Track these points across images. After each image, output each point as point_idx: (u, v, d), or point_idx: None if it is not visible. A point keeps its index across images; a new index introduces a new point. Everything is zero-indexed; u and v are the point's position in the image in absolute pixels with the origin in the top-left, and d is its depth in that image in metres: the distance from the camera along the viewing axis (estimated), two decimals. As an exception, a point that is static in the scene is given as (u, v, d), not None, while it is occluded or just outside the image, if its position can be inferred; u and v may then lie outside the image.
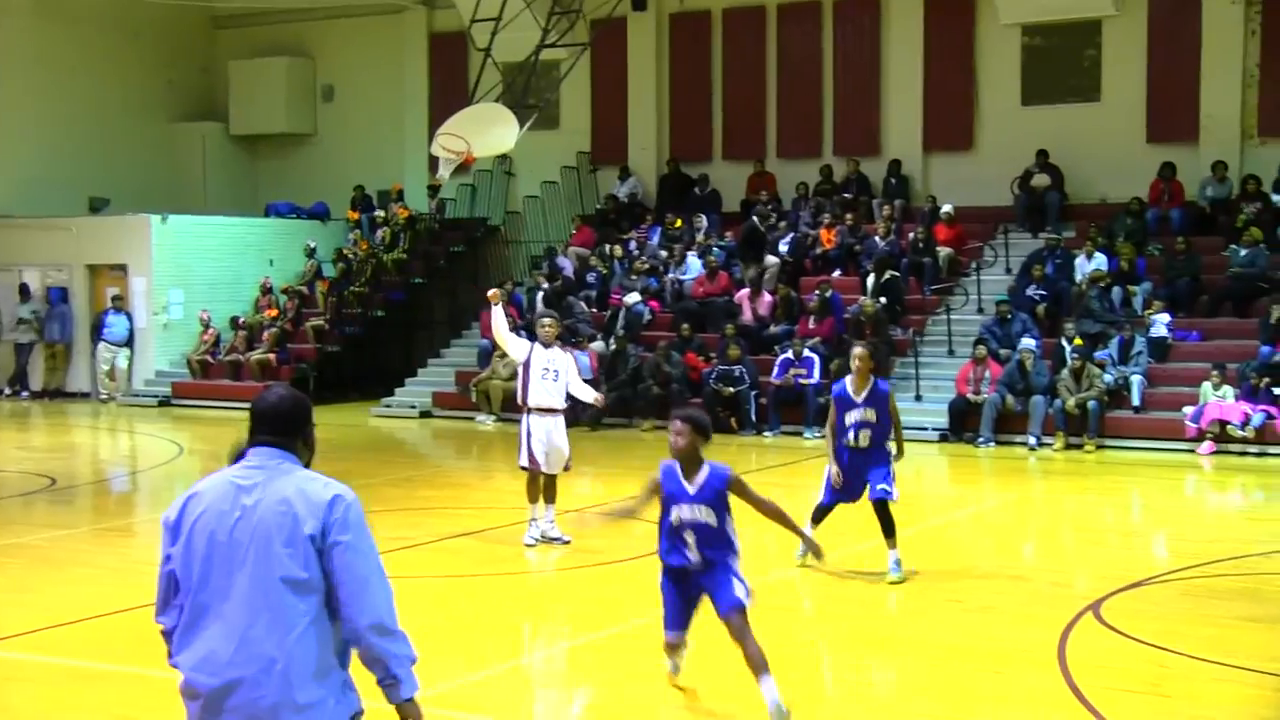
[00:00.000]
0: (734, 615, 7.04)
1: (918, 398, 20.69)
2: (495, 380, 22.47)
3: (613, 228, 26.52)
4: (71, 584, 10.73)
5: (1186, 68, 23.32)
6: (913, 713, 7.66)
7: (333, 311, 26.56)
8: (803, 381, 20.59)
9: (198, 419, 24.06)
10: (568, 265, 25.44)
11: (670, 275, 24.31)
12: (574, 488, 14.48)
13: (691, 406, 7.58)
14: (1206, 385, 18.64)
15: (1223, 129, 23.12)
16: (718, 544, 7.19)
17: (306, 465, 4.37)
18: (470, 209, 28.66)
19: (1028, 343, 19.80)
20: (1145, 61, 23.74)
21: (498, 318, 12.40)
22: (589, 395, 12.60)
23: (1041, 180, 23.72)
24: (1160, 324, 20.17)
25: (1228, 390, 18.50)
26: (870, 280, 22.28)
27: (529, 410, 12.04)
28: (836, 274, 23.39)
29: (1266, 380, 18.47)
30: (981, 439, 19.34)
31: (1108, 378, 19.25)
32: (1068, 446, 18.83)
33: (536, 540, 12.06)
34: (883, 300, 21.77)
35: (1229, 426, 18.20)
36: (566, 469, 12.32)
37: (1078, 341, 19.77)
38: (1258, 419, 18.11)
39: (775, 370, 20.94)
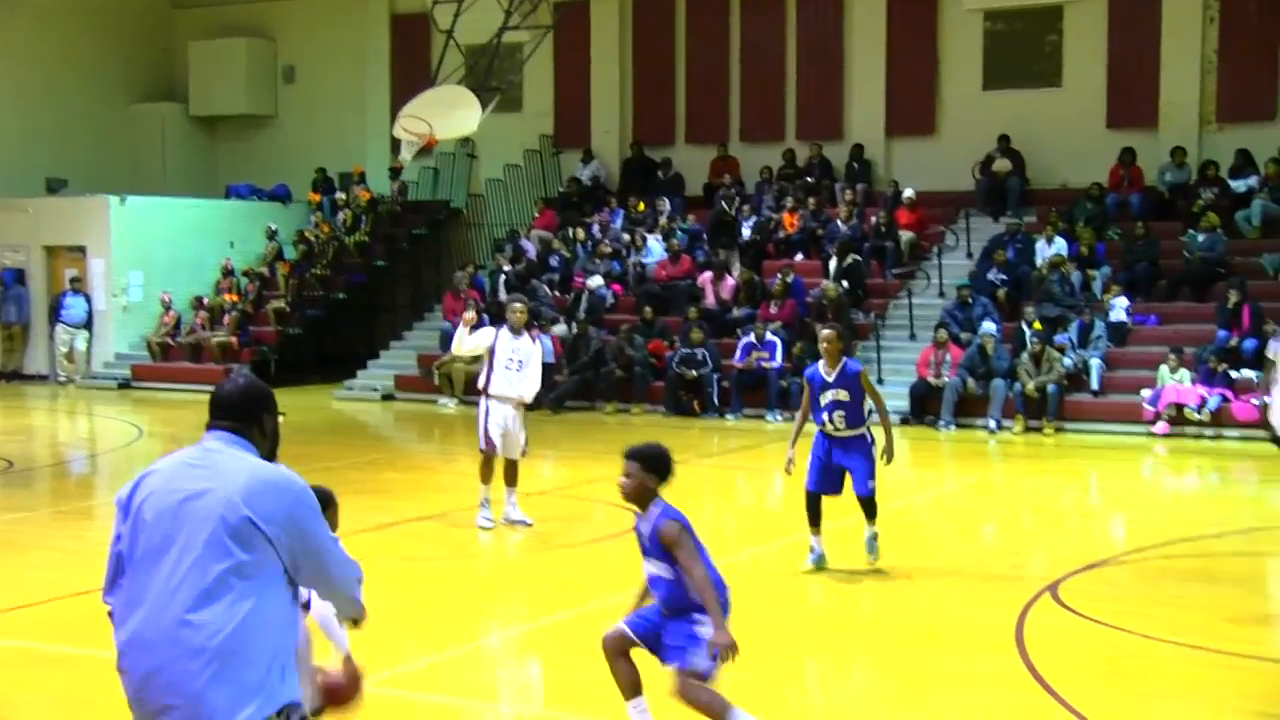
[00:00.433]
0: (680, 677, 6.13)
1: (879, 381, 20.74)
2: (457, 363, 22.42)
3: (576, 211, 26.49)
4: (30, 567, 10.66)
5: (1146, 54, 23.48)
6: (871, 693, 7.71)
7: (294, 294, 26.42)
8: (765, 365, 20.64)
9: (157, 401, 23.92)
10: (530, 248, 25.40)
11: (633, 259, 24.31)
12: (537, 470, 14.49)
13: (649, 444, 6.50)
14: (1164, 369, 18.80)
15: (1182, 115, 23.30)
16: (674, 600, 6.26)
17: (267, 456, 4.34)
18: (433, 191, 28.56)
19: (988, 327, 19.92)
20: (1106, 47, 23.90)
21: (464, 340, 12.15)
22: (529, 393, 12.12)
23: (1003, 165, 23.84)
24: (1119, 308, 20.33)
25: (1185, 374, 18.66)
26: (832, 264, 22.36)
27: (488, 395, 11.98)
28: (799, 258, 23.46)
29: (1223, 364, 18.66)
30: (942, 422, 19.45)
31: (1067, 361, 19.39)
32: (1027, 430, 18.97)
33: (490, 522, 11.97)
34: (845, 284, 21.84)
35: (1186, 410, 18.37)
36: (523, 454, 12.22)
37: (1038, 325, 19.89)
38: (1214, 402, 18.29)
39: (738, 354, 20.98)
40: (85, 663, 7.77)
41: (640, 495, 6.25)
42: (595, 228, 25.54)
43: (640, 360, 21.56)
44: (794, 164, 25.68)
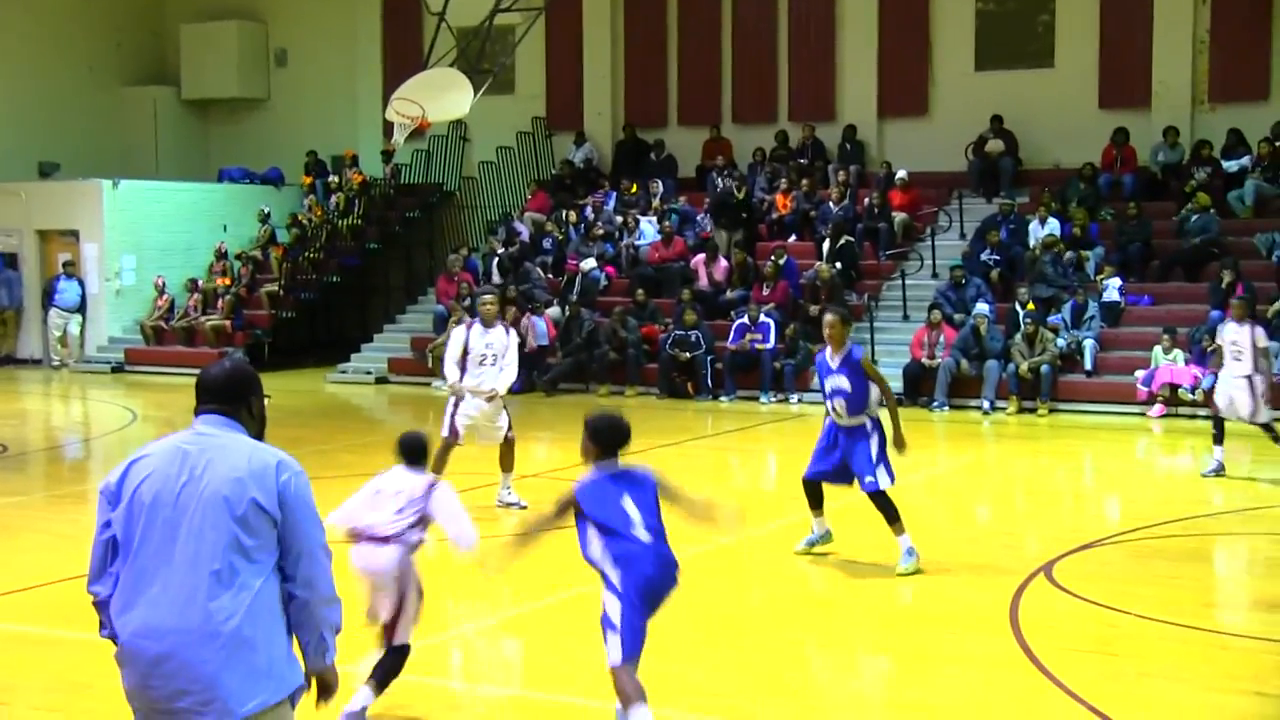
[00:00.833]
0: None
1: (873, 362, 20.78)
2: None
3: (568, 193, 26.46)
4: (24, 551, 10.67)
5: (1138, 34, 23.46)
6: (866, 673, 7.74)
7: (287, 277, 26.39)
8: (758, 346, 20.65)
9: (151, 385, 23.90)
10: (524, 231, 25.38)
11: (625, 241, 24.29)
12: (529, 453, 14.49)
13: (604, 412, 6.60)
14: (1158, 349, 18.83)
15: (1174, 95, 23.29)
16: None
17: (256, 437, 4.35)
18: (425, 174, 28.50)
19: (982, 308, 19.94)
20: (1098, 28, 23.86)
21: (455, 342, 11.95)
22: (503, 385, 11.88)
23: (995, 146, 23.82)
24: (1112, 289, 20.35)
25: (1178, 354, 18.69)
26: (826, 245, 22.35)
27: (466, 389, 11.86)
28: (792, 239, 23.46)
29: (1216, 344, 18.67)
30: (936, 403, 19.47)
31: (1060, 342, 19.42)
32: (1021, 410, 19.00)
33: None
34: (838, 265, 21.83)
35: (1179, 390, 18.40)
36: (509, 438, 12.04)
37: (1031, 306, 19.91)
38: (1207, 382, 18.27)
39: (731, 335, 20.99)
40: (80, 647, 7.77)
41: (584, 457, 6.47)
42: (588, 210, 25.52)
43: (634, 342, 21.57)
44: (786, 145, 25.65)
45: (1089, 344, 19.43)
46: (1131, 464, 16.19)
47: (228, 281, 26.46)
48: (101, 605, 4.25)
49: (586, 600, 9.01)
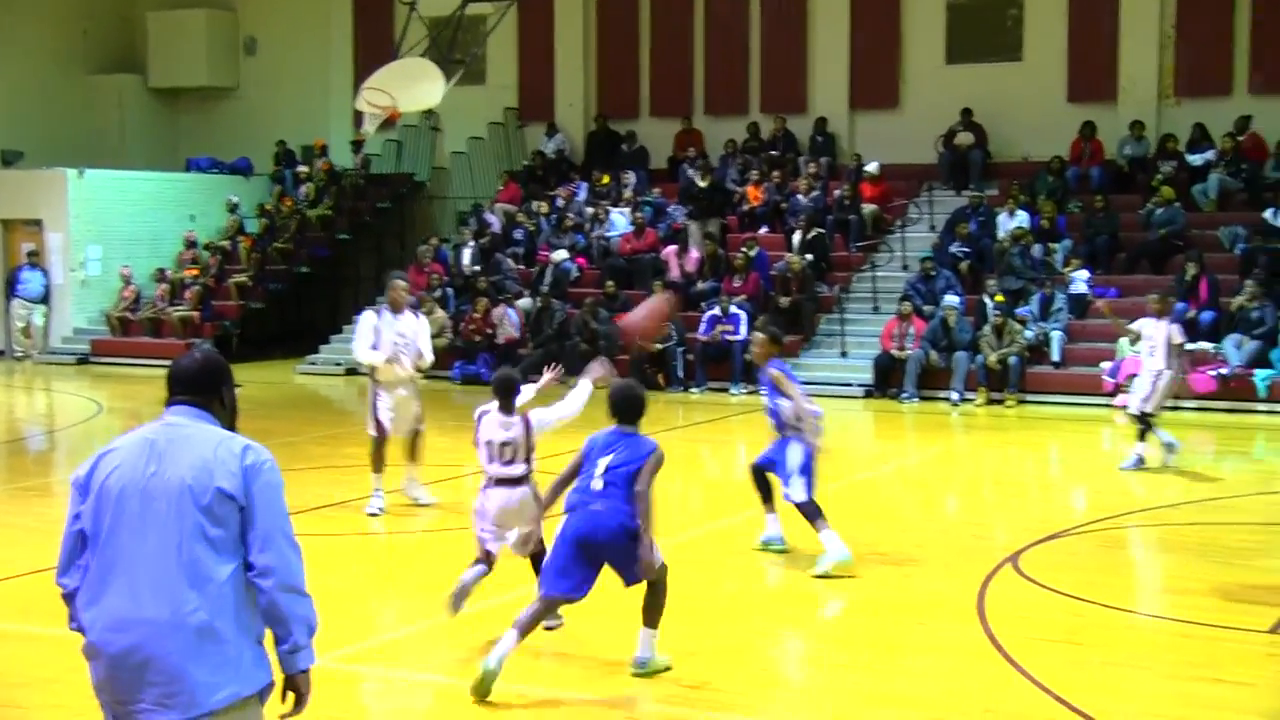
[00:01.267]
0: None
1: (843, 354, 20.89)
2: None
3: (540, 184, 26.44)
4: (-10, 543, 10.61)
5: (1105, 28, 23.60)
6: (834, 663, 7.78)
7: (256, 268, 26.28)
8: (729, 338, 20.68)
9: (117, 377, 23.76)
10: (495, 222, 25.35)
11: (596, 233, 24.29)
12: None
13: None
14: (1123, 341, 18.93)
15: (1140, 89, 23.44)
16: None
17: (228, 427, 4.33)
18: (396, 165, 28.43)
19: (951, 299, 20.03)
20: (1066, 22, 23.98)
21: (365, 329, 11.51)
22: (424, 359, 11.68)
23: (965, 138, 23.92)
24: (1080, 281, 20.47)
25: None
26: (797, 237, 22.40)
27: (376, 381, 11.56)
28: (763, 231, 23.50)
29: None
30: (905, 394, 19.55)
31: (1029, 334, 19.53)
32: (989, 401, 19.09)
33: (381, 510, 11.48)
34: (809, 257, 21.89)
35: (1145, 382, 18.50)
36: (420, 431, 11.81)
37: (1000, 298, 20.01)
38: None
39: (702, 327, 21.02)
40: (47, 641, 7.74)
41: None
42: (559, 201, 25.50)
43: (604, 334, 21.56)
44: (758, 137, 25.69)
45: (1056, 336, 19.55)
46: (1098, 455, 16.29)
47: (196, 272, 26.33)
48: (70, 598, 4.22)
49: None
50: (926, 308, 20.38)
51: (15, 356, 26.06)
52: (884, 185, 23.60)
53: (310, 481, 12.74)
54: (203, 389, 4.29)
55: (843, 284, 22.25)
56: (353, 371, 23.45)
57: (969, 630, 8.08)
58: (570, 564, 6.95)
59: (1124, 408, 18.14)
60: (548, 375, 8.83)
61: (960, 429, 17.96)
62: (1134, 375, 18.42)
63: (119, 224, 26.77)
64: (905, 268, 22.19)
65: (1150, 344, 13.78)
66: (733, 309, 20.95)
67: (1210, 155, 22.20)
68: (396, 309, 11.55)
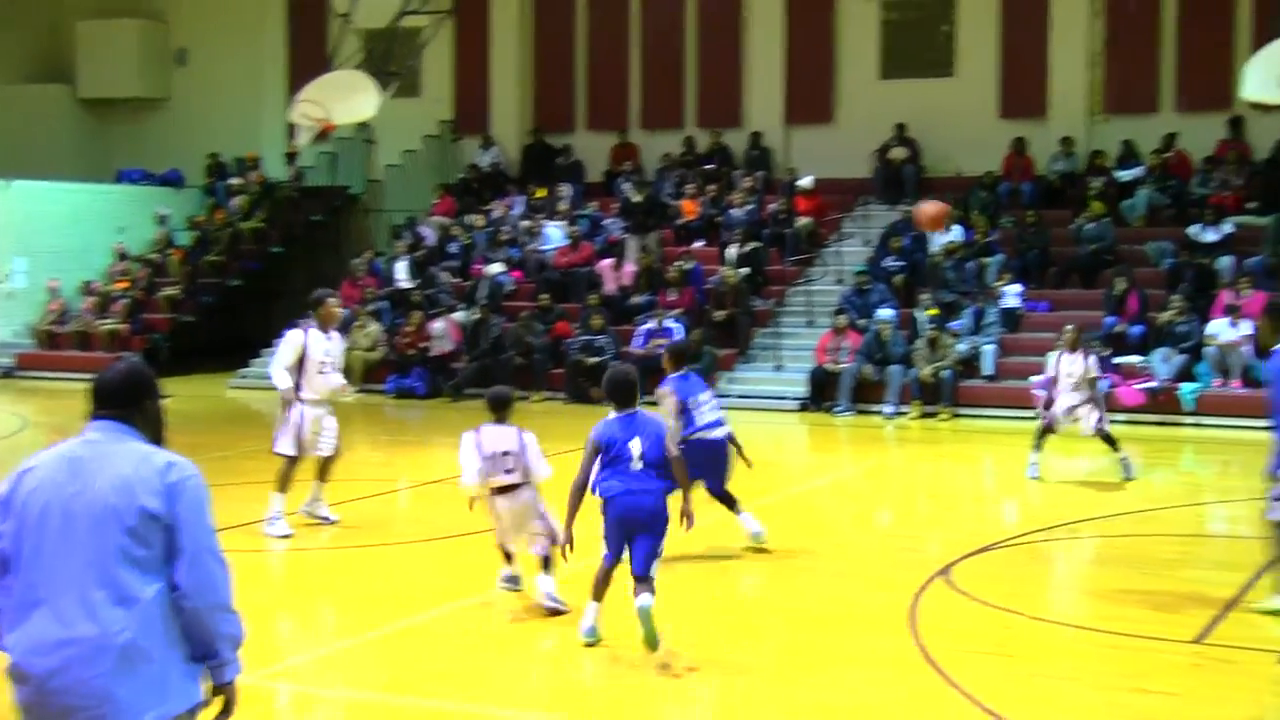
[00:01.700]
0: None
1: (778, 367, 20.98)
2: (355, 351, 22.22)
3: (475, 197, 26.38)
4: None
5: (1036, 46, 23.94)
6: (766, 676, 7.79)
7: (187, 281, 26.00)
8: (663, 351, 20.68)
9: (44, 391, 23.43)
10: (429, 235, 25.26)
11: (531, 246, 24.25)
12: (439, 459, 14.40)
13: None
14: (1054, 354, 19.11)
15: (1070, 105, 23.79)
16: None
17: (153, 440, 4.24)
18: (330, 177, 28.26)
19: (885, 313, 20.17)
20: (997, 39, 24.30)
21: (290, 348, 11.31)
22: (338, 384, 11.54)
23: (899, 153, 24.14)
24: (1011, 295, 20.69)
25: (1074, 359, 19.00)
26: (732, 251, 22.48)
27: (302, 400, 11.34)
28: (698, 244, 23.57)
29: (1110, 350, 19.05)
30: (840, 407, 19.65)
31: (961, 347, 19.70)
32: (923, 415, 19.24)
33: (289, 533, 11.22)
34: (744, 271, 21.98)
35: (1075, 394, 18.70)
36: (337, 450, 11.65)
37: (933, 312, 20.18)
38: (1101, 386, 18.63)
39: (637, 340, 21.03)
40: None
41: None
42: (495, 214, 25.45)
43: (540, 347, 21.53)
44: (693, 151, 25.79)
45: (989, 349, 19.73)
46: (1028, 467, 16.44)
47: (126, 284, 26.02)
48: None
49: (482, 609, 9.00)
50: (861, 321, 20.51)
51: (-60, 370, 25.63)
52: (818, 199, 23.75)
53: (241, 497, 12.59)
54: (125, 402, 4.21)
55: (778, 298, 22.35)
56: (286, 385, 23.25)
57: (900, 642, 8.12)
58: (617, 535, 7.81)
59: (1049, 425, 18.36)
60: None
61: (894, 442, 18.07)
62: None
63: (46, 236, 26.40)
64: (840, 281, 22.32)
65: (1070, 380, 13.90)
66: (667, 322, 20.97)
67: (1139, 171, 22.54)
68: (326, 327, 11.40)
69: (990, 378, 19.73)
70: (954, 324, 20.15)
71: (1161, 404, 18.44)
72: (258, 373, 23.92)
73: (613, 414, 7.90)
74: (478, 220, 25.20)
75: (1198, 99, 23.01)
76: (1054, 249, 21.71)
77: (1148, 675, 7.58)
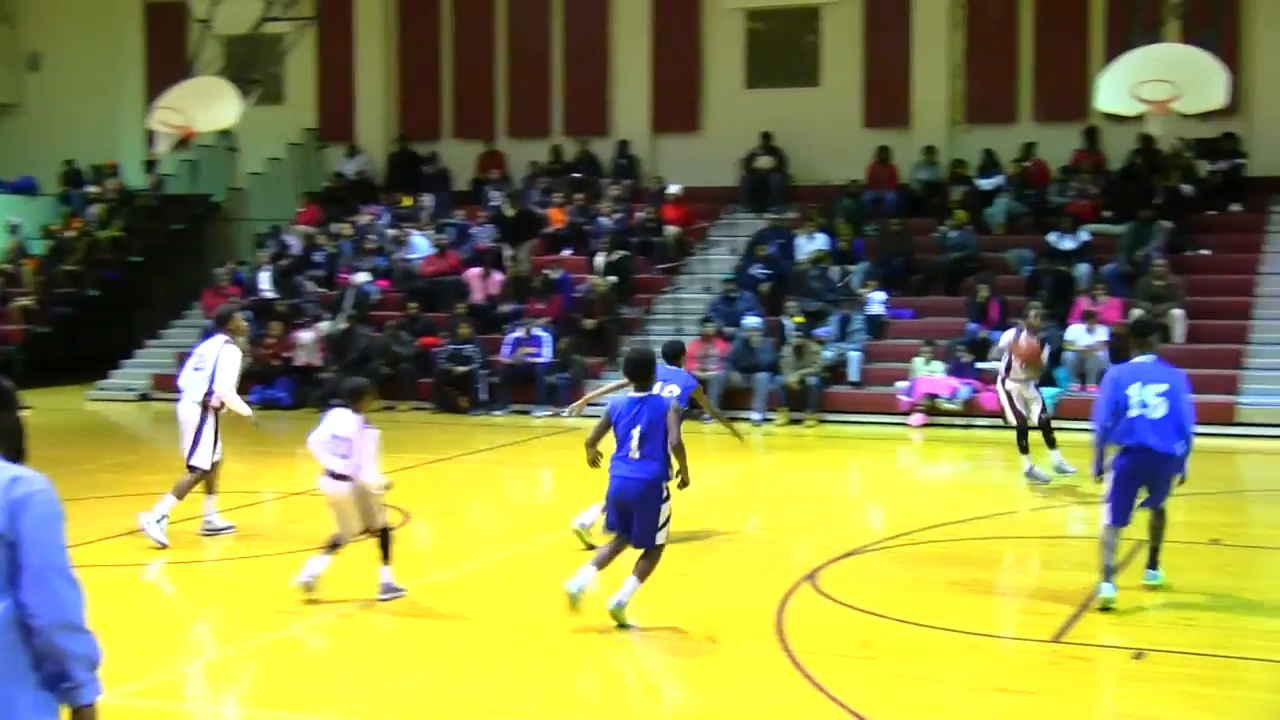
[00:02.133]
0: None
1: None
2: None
3: (340, 206, 26.06)
4: None
5: (898, 57, 24.35)
6: (633, 681, 7.79)
7: (42, 291, 25.29)
8: (532, 360, 20.65)
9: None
10: (294, 244, 24.88)
11: (397, 254, 24.03)
12: (299, 470, 14.18)
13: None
14: (918, 360, 19.48)
15: (932, 115, 24.24)
16: None
17: (12, 454, 4.08)
18: (191, 185, 27.72)
19: (752, 321, 20.33)
20: (861, 49, 24.67)
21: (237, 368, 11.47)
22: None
23: (765, 162, 24.38)
24: (876, 302, 21.00)
25: (937, 365, 19.38)
26: (600, 259, 22.51)
27: (216, 410, 11.43)
28: (566, 253, 23.55)
29: (972, 355, 19.43)
30: (707, 415, 19.71)
31: (827, 354, 19.93)
32: (790, 421, 19.42)
33: (166, 542, 11.14)
34: (613, 279, 22.01)
35: (938, 400, 19.08)
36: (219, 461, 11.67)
37: (799, 319, 20.40)
38: (965, 392, 19.04)
39: (505, 349, 20.95)
40: None
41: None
42: (362, 221, 25.17)
43: (407, 357, 21.33)
44: (561, 159, 25.78)
45: (854, 356, 19.99)
46: (894, 472, 16.73)
47: (-26, 295, 25.25)
48: None
49: (350, 620, 8.88)
50: (728, 329, 20.65)
51: None
52: (686, 208, 23.89)
53: (101, 510, 12.30)
54: None
55: (646, 306, 22.42)
56: (146, 397, 22.76)
57: (766, 646, 8.17)
58: (613, 514, 8.50)
59: (922, 426, 18.65)
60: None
61: (762, 449, 18.21)
62: (931, 394, 19.06)
63: (-110, 245, 25.52)
64: (707, 290, 22.46)
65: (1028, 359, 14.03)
66: (536, 331, 20.93)
67: (999, 180, 23.04)
68: (236, 340, 11.63)
69: (856, 384, 19.99)
70: (820, 331, 20.39)
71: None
72: (118, 384, 23.41)
73: (632, 391, 8.50)
74: (344, 229, 24.89)
75: (1054, 109, 23.60)
76: (917, 256, 22.08)
77: (1008, 674, 7.72)
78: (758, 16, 25.52)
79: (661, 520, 8.40)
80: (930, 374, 19.33)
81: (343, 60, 27.29)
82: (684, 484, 8.77)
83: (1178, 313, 19.53)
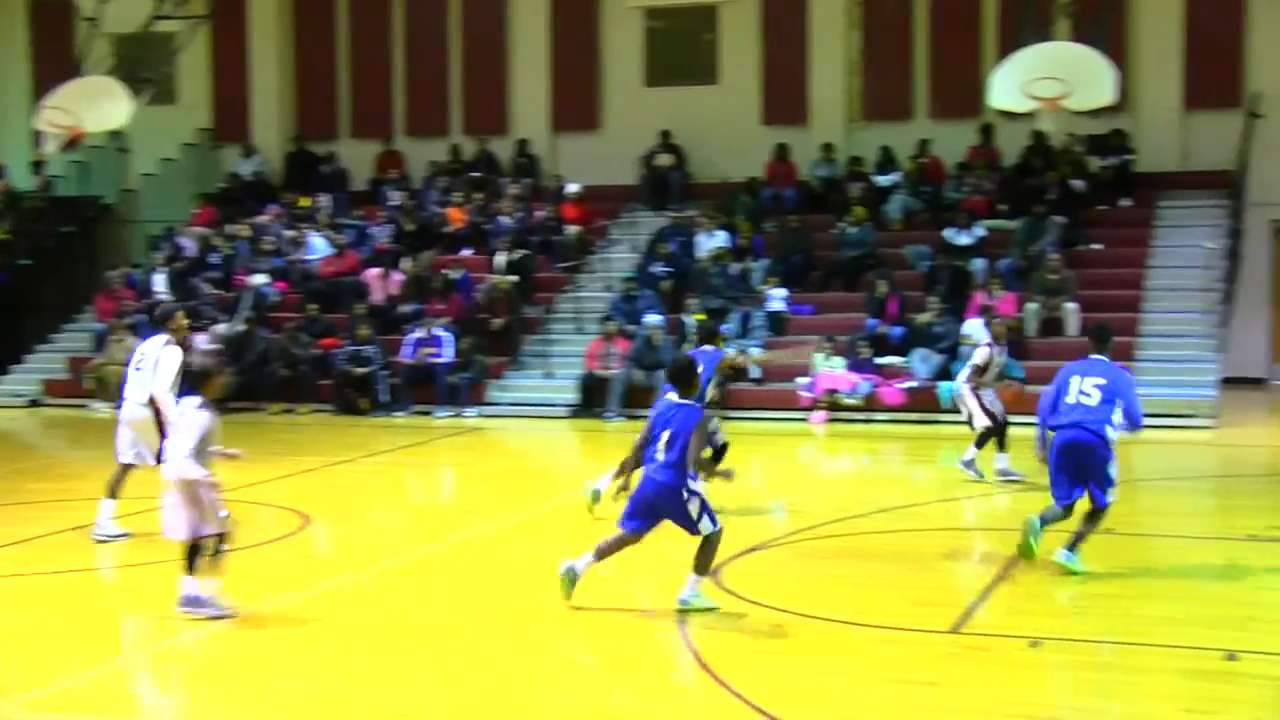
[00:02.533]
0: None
1: (548, 374, 20.98)
2: (111, 365, 21.37)
3: (236, 207, 25.69)
4: None
5: (796, 55, 24.53)
6: (536, 682, 7.75)
7: (-75, 296, 24.64)
8: (433, 360, 20.52)
9: None
10: (189, 246, 24.48)
11: (295, 255, 23.74)
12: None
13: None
14: (818, 356, 19.63)
15: (830, 113, 24.45)
16: None
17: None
18: (82, 187, 27.14)
19: (653, 318, 20.37)
20: (759, 47, 24.82)
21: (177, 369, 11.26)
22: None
23: (664, 160, 24.44)
24: (777, 299, 21.13)
25: (838, 361, 19.54)
26: (501, 259, 22.41)
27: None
28: (467, 252, 23.42)
29: (872, 350, 19.63)
30: (610, 413, 19.75)
31: (729, 350, 19.97)
32: (693, 418, 19.42)
33: (124, 533, 11.46)
34: (514, 278, 21.94)
35: (839, 395, 19.24)
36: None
37: (700, 316, 20.43)
38: (864, 387, 19.22)
39: (406, 349, 20.79)
40: None
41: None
42: (260, 223, 24.82)
43: (306, 359, 21.09)
44: (460, 159, 25.63)
45: (755, 352, 20.08)
46: (795, 468, 16.82)
47: None
48: None
49: (274, 618, 8.75)
50: (630, 327, 20.67)
51: None
52: (586, 206, 23.87)
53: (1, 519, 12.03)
54: None
55: (547, 305, 22.37)
56: (36, 403, 22.28)
57: (671, 643, 8.17)
58: (635, 511, 8.78)
59: (822, 423, 18.79)
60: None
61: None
62: (832, 390, 19.22)
63: None
64: (608, 288, 22.46)
65: (996, 369, 14.04)
66: (436, 331, 20.79)
67: (896, 177, 23.29)
68: (177, 340, 11.42)
69: (757, 380, 20.10)
70: (722, 328, 20.42)
71: (921, 402, 19.05)
72: (7, 390, 22.90)
73: (673, 396, 8.82)
74: (240, 230, 24.53)
75: (949, 106, 23.91)
76: (817, 253, 22.26)
77: (908, 666, 7.79)
78: (656, 15, 25.57)
79: (695, 514, 8.65)
80: (831, 369, 19.49)
81: (237, 59, 26.90)
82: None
83: (1071, 306, 19.89)
